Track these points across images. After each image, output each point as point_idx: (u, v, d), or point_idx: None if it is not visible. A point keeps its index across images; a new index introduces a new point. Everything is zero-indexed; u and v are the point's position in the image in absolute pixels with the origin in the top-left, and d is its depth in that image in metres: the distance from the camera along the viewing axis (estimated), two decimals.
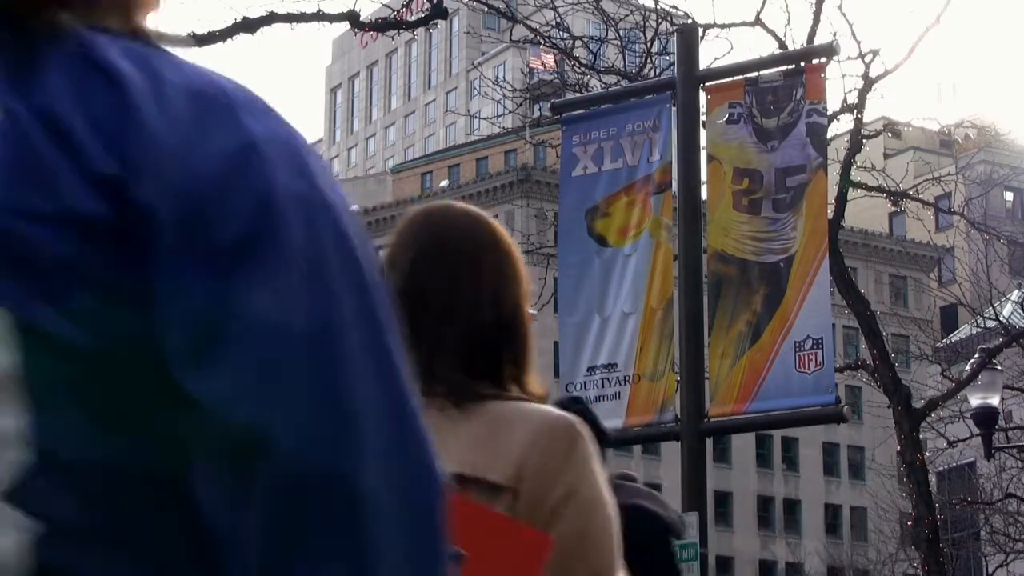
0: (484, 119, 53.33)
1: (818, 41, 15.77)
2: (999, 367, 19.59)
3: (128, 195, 1.01)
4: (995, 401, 19.00)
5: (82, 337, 1.00)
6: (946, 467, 32.24)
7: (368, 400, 1.04)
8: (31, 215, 1.00)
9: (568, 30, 18.37)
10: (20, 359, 0.98)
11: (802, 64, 9.50)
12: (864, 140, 17.71)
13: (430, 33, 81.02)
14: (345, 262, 1.06)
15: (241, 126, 1.05)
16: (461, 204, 2.54)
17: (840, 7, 18.77)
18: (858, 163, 17.67)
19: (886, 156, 39.03)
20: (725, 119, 9.38)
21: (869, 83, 17.12)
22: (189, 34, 12.83)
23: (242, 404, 1.00)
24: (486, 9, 18.82)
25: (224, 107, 1.06)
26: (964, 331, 34.94)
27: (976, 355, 19.23)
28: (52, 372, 0.99)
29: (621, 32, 17.97)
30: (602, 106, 10.36)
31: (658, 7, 17.26)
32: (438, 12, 14.34)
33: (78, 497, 1.00)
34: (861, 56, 17.10)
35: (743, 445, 56.73)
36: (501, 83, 20.47)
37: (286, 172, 1.05)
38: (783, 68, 9.44)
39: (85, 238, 1.01)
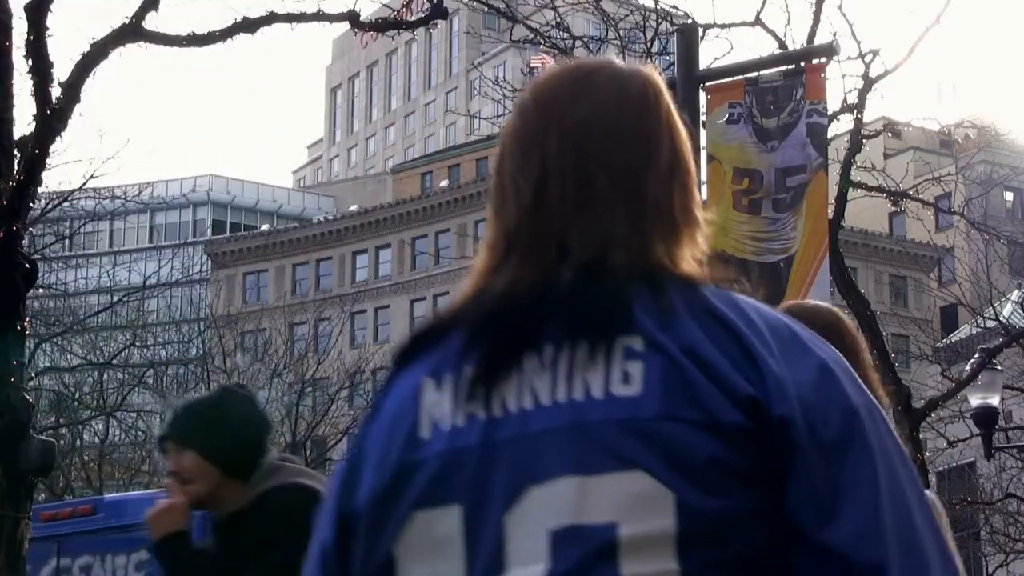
0: (484, 119, 53.21)
1: (818, 41, 15.77)
2: (999, 367, 19.58)
3: (766, 411, 1.50)
4: (995, 401, 19.00)
5: (721, 510, 1.47)
6: (946, 467, 32.22)
7: (929, 544, 1.51)
8: (684, 421, 1.48)
9: (568, 30, 18.34)
10: (676, 524, 1.46)
11: (802, 64, 9.47)
12: (864, 140, 17.68)
13: (430, 33, 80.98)
14: (895, 446, 1.54)
15: (813, 353, 1.55)
16: None
17: (840, 7, 18.77)
18: (858, 163, 17.65)
19: (886, 156, 38.96)
20: (725, 119, 9.35)
21: (869, 83, 17.11)
22: (189, 34, 12.83)
23: (863, 547, 1.47)
24: (486, 9, 18.80)
25: (796, 339, 1.56)
26: (964, 331, 34.94)
27: (976, 355, 19.23)
28: (697, 533, 1.46)
29: (621, 32, 17.93)
30: None
31: (658, 7, 17.24)
32: (438, 12, 14.32)
33: None
34: (861, 56, 17.10)
35: None
36: (501, 83, 20.40)
37: (851, 386, 1.55)
38: (783, 68, 9.40)
39: (726, 440, 1.48)
